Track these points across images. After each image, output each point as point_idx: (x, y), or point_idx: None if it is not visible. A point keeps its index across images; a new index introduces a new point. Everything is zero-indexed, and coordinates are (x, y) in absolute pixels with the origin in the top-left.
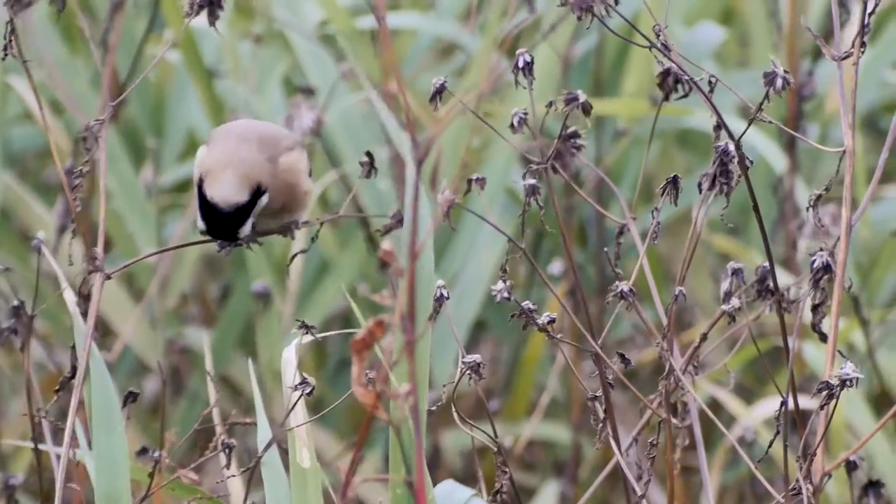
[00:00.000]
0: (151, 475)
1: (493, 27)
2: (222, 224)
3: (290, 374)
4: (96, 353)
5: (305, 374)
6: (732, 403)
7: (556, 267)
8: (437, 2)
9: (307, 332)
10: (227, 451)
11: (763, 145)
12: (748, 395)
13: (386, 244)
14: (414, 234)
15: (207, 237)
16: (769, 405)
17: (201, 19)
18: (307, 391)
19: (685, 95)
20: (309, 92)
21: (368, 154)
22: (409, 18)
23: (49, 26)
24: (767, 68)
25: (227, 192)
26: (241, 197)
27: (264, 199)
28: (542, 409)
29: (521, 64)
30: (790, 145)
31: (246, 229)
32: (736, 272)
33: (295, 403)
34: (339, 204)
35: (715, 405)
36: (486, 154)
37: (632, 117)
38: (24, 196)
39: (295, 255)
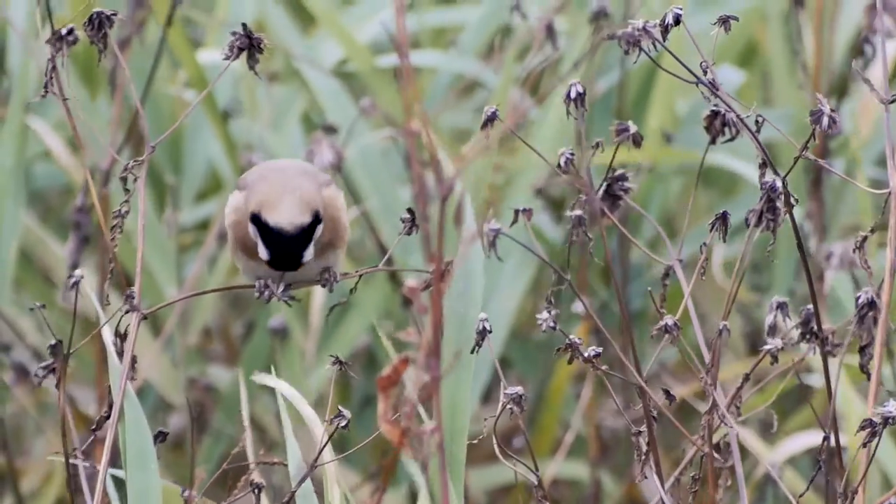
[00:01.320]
0: None
1: (512, 65)
2: (288, 248)
3: (303, 409)
4: (131, 393)
5: (341, 408)
6: (755, 442)
7: (580, 306)
8: (459, 39)
9: (341, 368)
10: (256, 491)
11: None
12: (769, 430)
13: (411, 281)
14: (438, 271)
15: (238, 285)
16: (793, 443)
17: (212, 56)
18: (342, 424)
19: (732, 139)
20: (329, 129)
21: (410, 211)
22: (430, 56)
23: (68, 64)
24: (789, 107)
25: (290, 215)
26: (305, 218)
27: (320, 229)
28: (567, 447)
29: (573, 94)
30: (815, 183)
31: (309, 253)
32: (781, 306)
33: (330, 437)
34: (360, 241)
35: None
36: (508, 192)
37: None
38: (44, 237)
39: (334, 307)
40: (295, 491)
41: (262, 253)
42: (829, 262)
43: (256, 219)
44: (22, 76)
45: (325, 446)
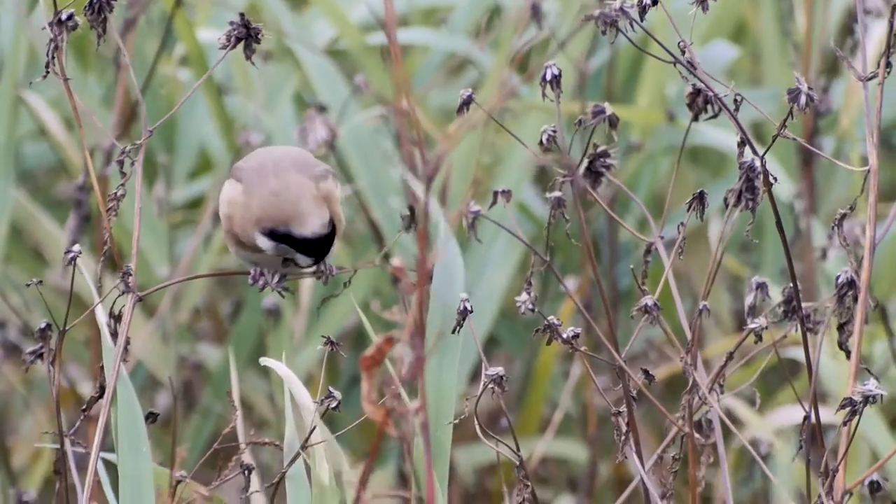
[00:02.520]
0: (173, 494)
1: (507, 43)
2: (317, 249)
3: (298, 390)
4: (124, 375)
5: (331, 388)
6: (746, 413)
7: (569, 285)
8: (450, 18)
9: (332, 349)
10: (246, 472)
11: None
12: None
13: (396, 260)
14: (423, 249)
15: (232, 271)
16: (782, 415)
17: (210, 34)
18: (333, 405)
19: (714, 116)
20: (321, 108)
21: (410, 209)
22: (421, 34)
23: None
24: (780, 86)
25: (313, 228)
26: (326, 229)
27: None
28: (556, 426)
29: (548, 77)
30: (806, 162)
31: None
32: (760, 286)
33: (322, 417)
34: (350, 220)
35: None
36: (498, 170)
37: (646, 129)
38: (35, 213)
39: (326, 298)
40: (285, 472)
41: (301, 260)
42: (832, 242)
43: (276, 233)
44: (14, 52)
45: (315, 427)
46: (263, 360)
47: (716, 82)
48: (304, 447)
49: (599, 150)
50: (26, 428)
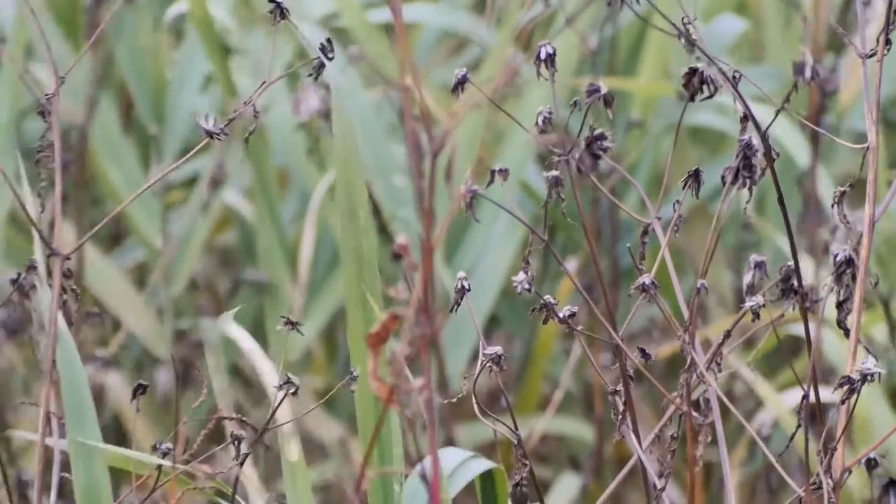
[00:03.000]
0: (159, 467)
1: (511, 20)
2: None
3: (263, 366)
4: (65, 338)
5: (289, 374)
6: (750, 396)
7: (571, 264)
8: None
9: (292, 329)
10: (236, 442)
11: (788, 137)
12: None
13: (401, 237)
14: (429, 227)
15: None
16: (786, 396)
17: (216, 7)
18: (292, 391)
19: (711, 96)
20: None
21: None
22: (422, 11)
23: (49, 17)
24: (782, 63)
25: None
26: None
27: None
28: (556, 404)
29: (542, 56)
30: (813, 139)
31: None
32: (759, 265)
33: (283, 399)
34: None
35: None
36: (500, 149)
37: (648, 106)
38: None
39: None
40: (245, 456)
41: None
42: (835, 237)
43: None
44: (17, 27)
45: (280, 405)
46: (225, 324)
47: (719, 61)
48: (265, 428)
49: (596, 133)
50: (26, 407)
